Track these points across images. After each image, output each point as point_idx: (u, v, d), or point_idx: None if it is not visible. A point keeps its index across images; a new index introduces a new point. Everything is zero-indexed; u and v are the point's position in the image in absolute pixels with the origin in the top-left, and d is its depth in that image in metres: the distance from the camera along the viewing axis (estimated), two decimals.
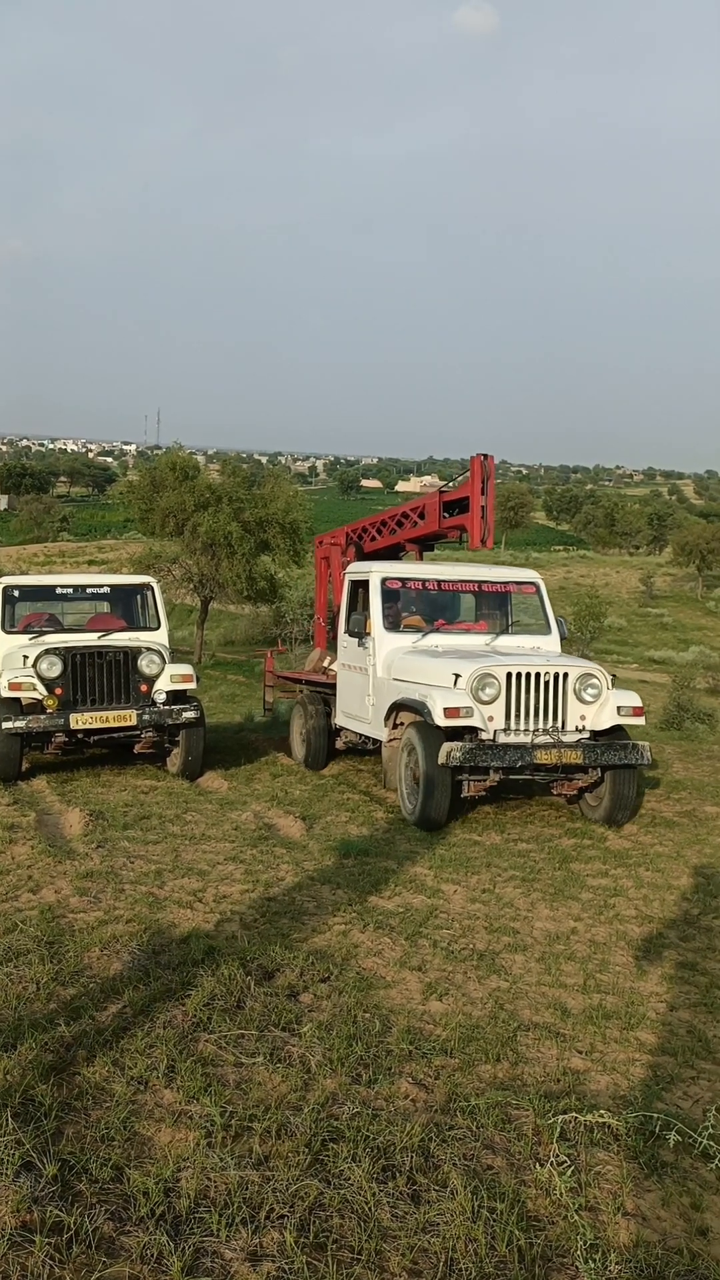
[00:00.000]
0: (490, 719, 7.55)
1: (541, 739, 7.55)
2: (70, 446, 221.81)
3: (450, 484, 10.22)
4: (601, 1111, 3.37)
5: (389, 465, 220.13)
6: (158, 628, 10.33)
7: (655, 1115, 3.38)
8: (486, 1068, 3.74)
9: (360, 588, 9.45)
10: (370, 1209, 2.83)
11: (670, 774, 9.78)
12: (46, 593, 10.73)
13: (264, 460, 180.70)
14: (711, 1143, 3.25)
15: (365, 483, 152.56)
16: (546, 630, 9.26)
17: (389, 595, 9.06)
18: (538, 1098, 3.47)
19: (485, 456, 9.09)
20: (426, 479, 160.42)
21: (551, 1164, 3.06)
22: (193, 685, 9.58)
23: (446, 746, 7.31)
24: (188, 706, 9.27)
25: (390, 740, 8.49)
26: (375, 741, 9.22)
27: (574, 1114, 3.34)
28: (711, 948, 5.23)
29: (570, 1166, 3.06)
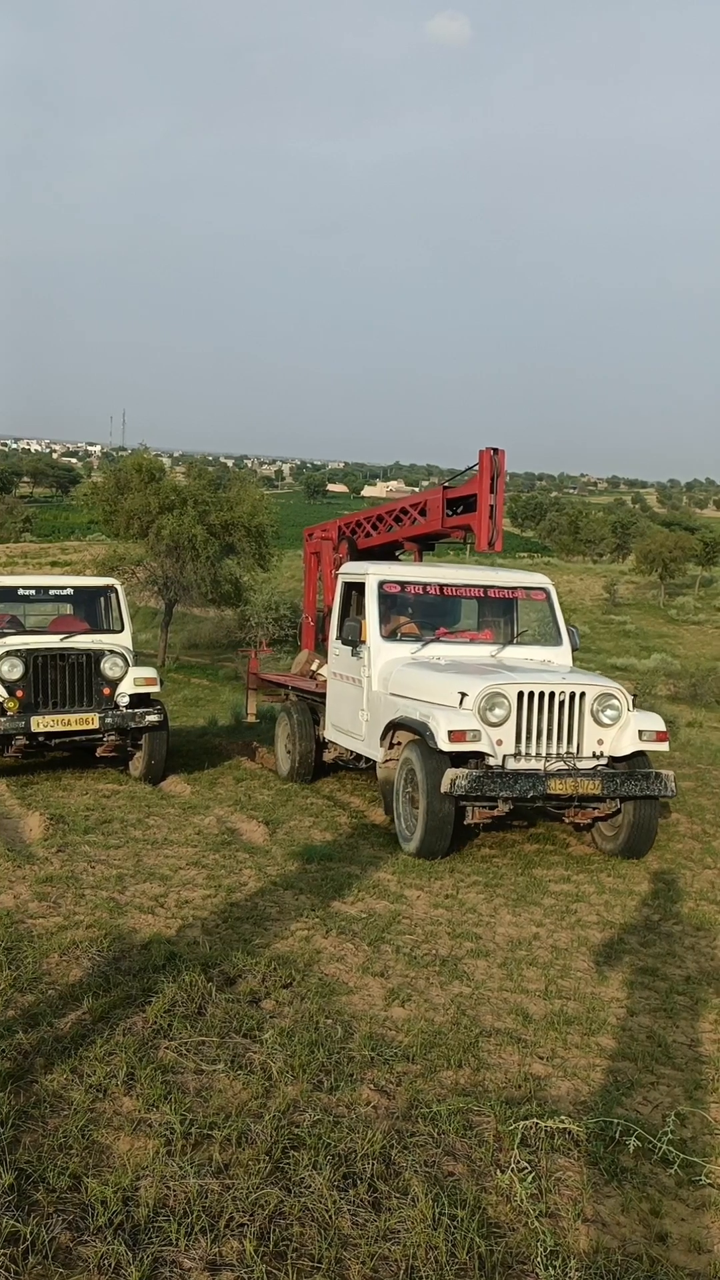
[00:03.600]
0: (499, 742, 6.86)
1: (555, 766, 6.89)
2: (34, 447, 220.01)
3: (456, 479, 9.37)
4: (562, 1117, 3.39)
5: (355, 470, 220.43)
6: (121, 630, 10.25)
7: (615, 1121, 3.40)
8: (448, 1074, 3.75)
9: (355, 590, 8.71)
10: (331, 1217, 2.82)
11: None
12: (8, 594, 10.61)
13: (230, 463, 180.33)
14: (671, 1148, 3.27)
15: (331, 487, 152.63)
16: (557, 641, 8.50)
17: (387, 600, 8.32)
18: (499, 1104, 3.48)
19: (495, 451, 8.25)
20: (393, 484, 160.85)
21: (512, 1170, 3.06)
22: (156, 688, 9.52)
23: (450, 773, 6.63)
24: (151, 710, 9.21)
25: (386, 761, 7.66)
26: (368, 760, 8.51)
27: (535, 1120, 3.35)
28: (671, 953, 5.27)
29: (531, 1173, 3.07)
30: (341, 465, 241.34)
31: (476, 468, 8.43)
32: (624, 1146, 3.29)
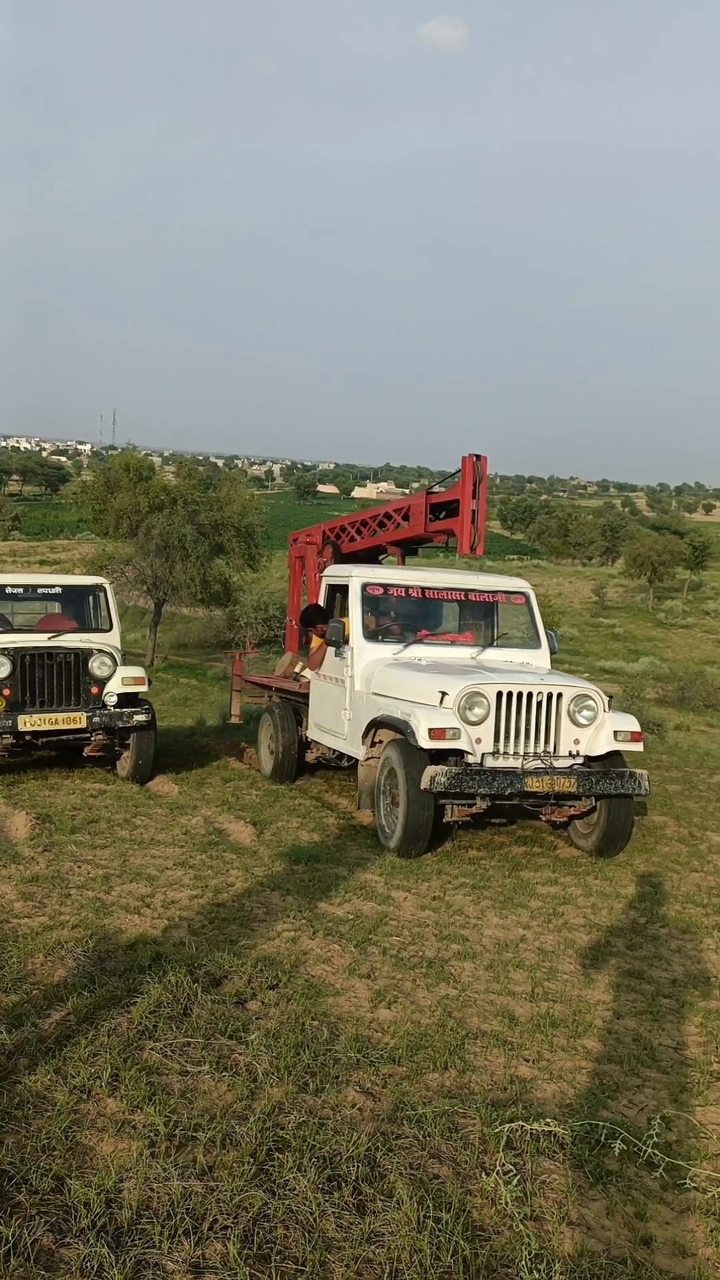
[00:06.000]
0: (478, 741, 7.01)
1: (532, 764, 7.04)
2: (23, 445, 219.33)
3: (439, 484, 9.60)
4: (547, 1120, 3.38)
5: (346, 471, 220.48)
6: (109, 629, 10.22)
7: (600, 1124, 3.40)
8: (434, 1076, 3.74)
9: (339, 593, 8.91)
10: (315, 1220, 2.81)
11: None
12: None
13: (220, 463, 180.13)
14: (656, 1152, 3.27)
15: (322, 488, 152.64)
16: (536, 644, 8.69)
17: (370, 602, 8.49)
18: (484, 1106, 3.47)
19: (478, 457, 8.45)
20: (383, 485, 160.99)
21: (497, 1173, 3.06)
22: (144, 688, 9.49)
23: (430, 771, 6.77)
24: (139, 710, 9.18)
25: (368, 759, 7.82)
26: (350, 759, 8.71)
27: (520, 1122, 3.35)
28: (658, 956, 5.27)
29: (516, 1175, 3.06)
30: (332, 466, 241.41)
31: (460, 473, 8.58)
32: (609, 1150, 3.28)
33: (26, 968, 4.47)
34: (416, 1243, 2.72)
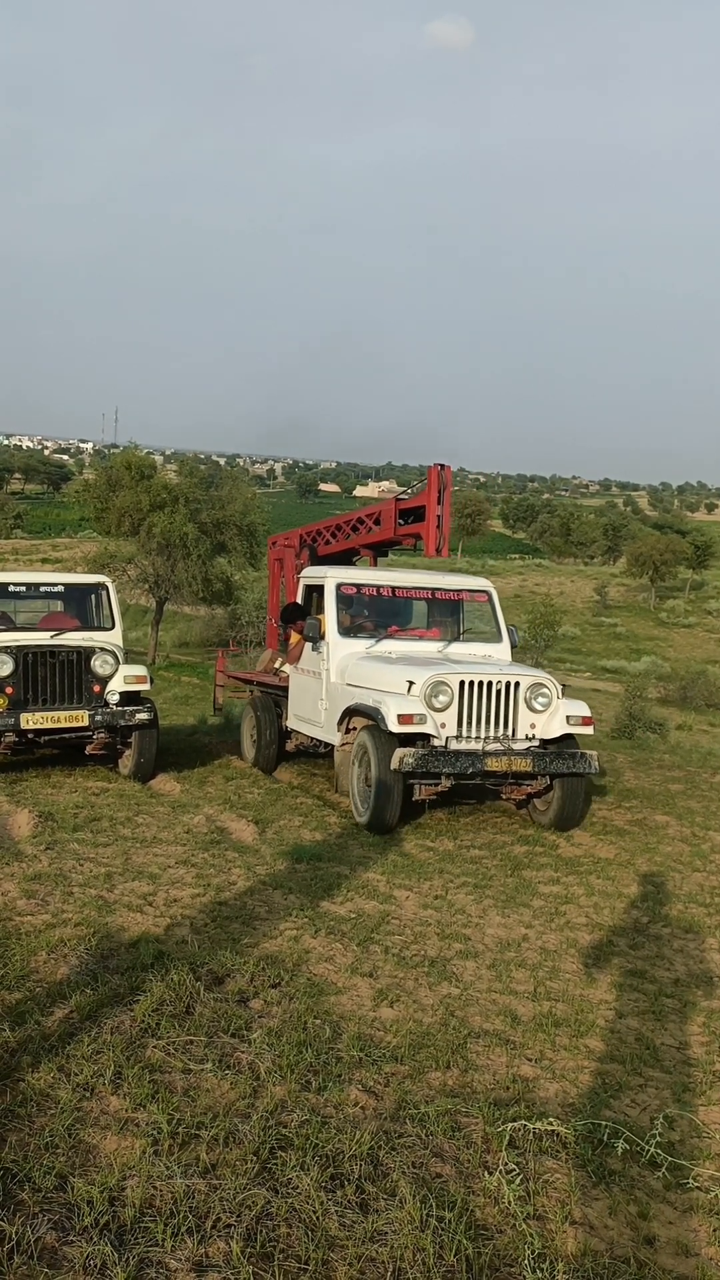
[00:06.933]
0: (443, 726, 7.63)
1: (492, 746, 7.64)
2: (26, 443, 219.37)
3: (408, 491, 10.29)
4: (550, 1119, 3.38)
5: (347, 470, 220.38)
6: (112, 628, 10.22)
7: (603, 1123, 3.40)
8: (436, 1075, 3.74)
9: (315, 592, 9.50)
10: (318, 1218, 2.81)
11: (621, 783, 9.86)
12: None
13: (222, 462, 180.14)
14: (658, 1151, 3.27)
15: (323, 486, 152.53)
16: (498, 639, 9.34)
17: (344, 600, 9.13)
18: (487, 1105, 3.47)
19: (443, 466, 9.16)
20: (385, 484, 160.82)
21: (500, 1172, 3.06)
22: (146, 686, 9.49)
23: (399, 752, 7.37)
24: (141, 708, 9.19)
25: (343, 745, 8.50)
26: (327, 745, 9.27)
27: (523, 1122, 3.35)
28: (660, 955, 5.27)
29: (519, 1175, 3.06)
30: (334, 465, 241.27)
31: (426, 481, 9.28)
32: (612, 1149, 3.28)
33: (29, 965, 4.47)
34: (419, 1241, 2.72)
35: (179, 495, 32.29)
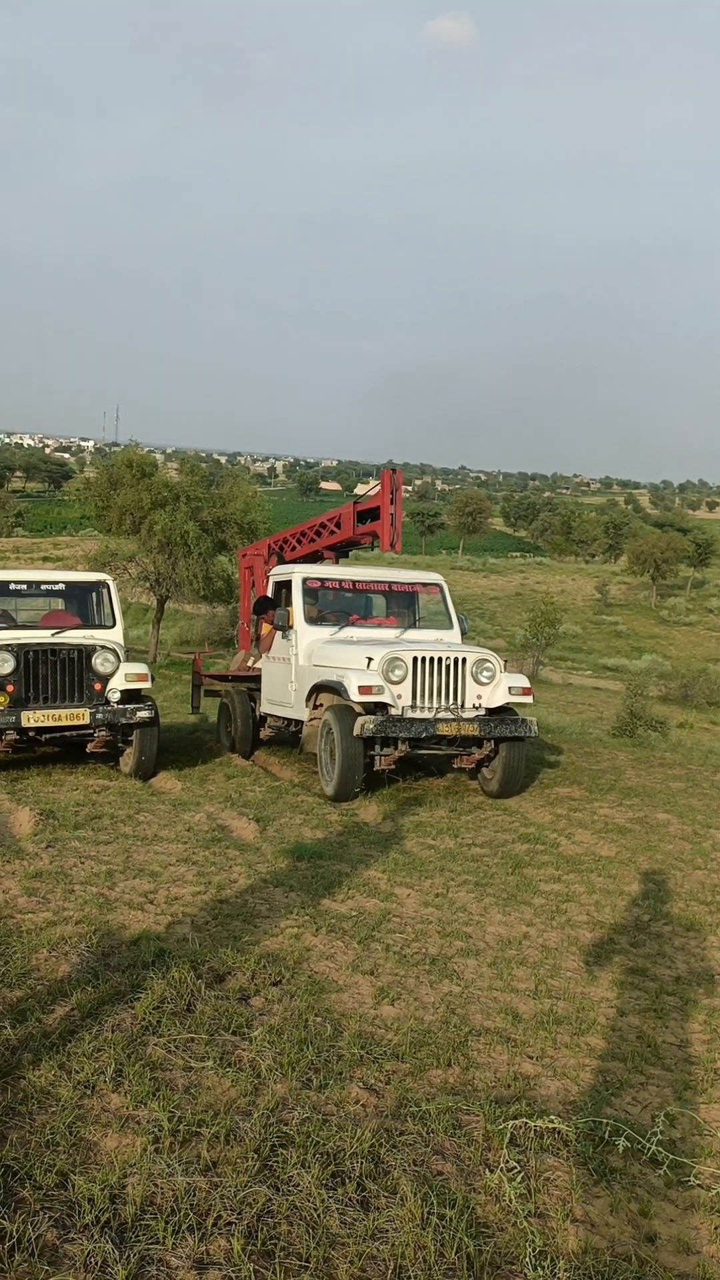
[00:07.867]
0: (399, 697, 8.58)
1: (443, 714, 8.59)
2: (26, 441, 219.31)
3: (365, 495, 11.18)
4: (551, 1117, 3.38)
5: (348, 468, 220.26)
6: (112, 626, 10.23)
7: (604, 1121, 3.39)
8: (437, 1073, 3.74)
9: (284, 587, 10.47)
10: (319, 1216, 2.80)
11: (623, 781, 9.86)
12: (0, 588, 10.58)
13: (223, 460, 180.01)
14: (660, 1149, 3.26)
15: (324, 485, 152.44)
16: (449, 625, 10.37)
17: (309, 593, 10.14)
18: (488, 1103, 3.47)
19: (394, 470, 10.26)
20: None
21: (501, 1170, 3.06)
22: (147, 685, 9.49)
23: (361, 719, 8.26)
24: (142, 706, 9.19)
25: (311, 720, 9.41)
26: (298, 725, 10.02)
27: (524, 1119, 3.34)
28: (661, 953, 5.27)
29: (520, 1172, 3.06)
30: (335, 463, 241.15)
31: (380, 484, 10.34)
32: (613, 1147, 3.28)
33: (30, 963, 4.47)
34: (420, 1239, 2.72)
35: (180, 493, 32.26)
